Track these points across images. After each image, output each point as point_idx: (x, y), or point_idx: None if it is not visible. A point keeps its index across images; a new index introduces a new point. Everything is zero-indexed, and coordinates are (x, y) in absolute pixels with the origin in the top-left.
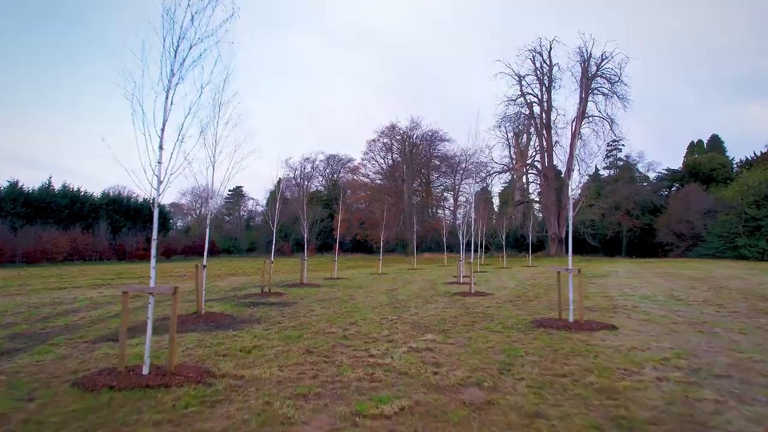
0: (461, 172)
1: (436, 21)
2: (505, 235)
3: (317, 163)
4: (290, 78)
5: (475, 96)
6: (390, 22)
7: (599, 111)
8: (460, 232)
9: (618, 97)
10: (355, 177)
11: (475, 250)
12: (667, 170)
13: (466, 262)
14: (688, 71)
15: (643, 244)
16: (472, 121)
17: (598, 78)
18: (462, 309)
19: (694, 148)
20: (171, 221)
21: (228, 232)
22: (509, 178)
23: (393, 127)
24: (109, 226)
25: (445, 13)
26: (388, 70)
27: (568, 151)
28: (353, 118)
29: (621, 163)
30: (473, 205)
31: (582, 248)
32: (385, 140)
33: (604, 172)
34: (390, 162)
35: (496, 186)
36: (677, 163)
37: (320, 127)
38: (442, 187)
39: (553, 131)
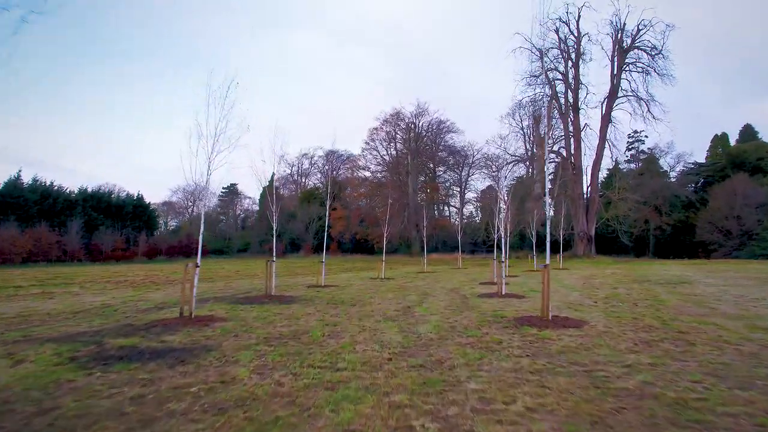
0: (469, 165)
1: (437, 19)
2: (535, 232)
3: (315, 159)
4: (290, 77)
5: (481, 92)
6: (393, 17)
7: (633, 90)
8: (499, 226)
9: (658, 74)
10: (355, 173)
11: (553, 248)
12: (694, 164)
13: (533, 267)
14: (710, 61)
15: (677, 243)
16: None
17: (634, 51)
18: (582, 378)
19: (719, 140)
20: (158, 219)
21: (222, 232)
22: (523, 170)
23: (397, 114)
24: (85, 224)
25: (448, 7)
26: (390, 67)
27: (598, 135)
28: (353, 118)
29: (644, 156)
30: (541, 188)
31: (610, 248)
32: (388, 129)
33: (626, 166)
34: (393, 153)
35: (506, 180)
36: (699, 157)
37: (320, 125)
38: (450, 181)
39: (582, 113)
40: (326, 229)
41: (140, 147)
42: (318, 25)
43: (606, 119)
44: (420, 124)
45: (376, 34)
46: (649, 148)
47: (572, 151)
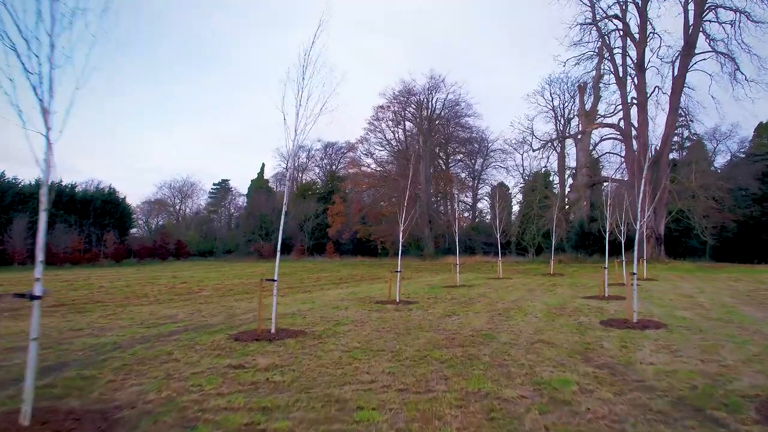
0: (484, 156)
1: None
2: (624, 228)
3: (313, 152)
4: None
5: (492, 93)
6: (404, 5)
7: (714, 47)
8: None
9: (753, 21)
10: (357, 162)
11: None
12: (744, 152)
13: None
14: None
15: (751, 244)
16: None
17: None
18: None
19: (764, 128)
20: (133, 217)
21: (212, 232)
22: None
23: (407, 90)
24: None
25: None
26: (396, 62)
27: (668, 103)
28: (355, 120)
29: (690, 143)
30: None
31: (674, 249)
32: (396, 108)
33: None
34: (401, 137)
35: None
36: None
37: (320, 123)
38: (466, 172)
39: (650, 72)
40: (282, 217)
41: (136, 146)
42: (323, 15)
43: (679, 83)
44: (434, 101)
45: (386, 20)
46: (695, 134)
47: (638, 124)
